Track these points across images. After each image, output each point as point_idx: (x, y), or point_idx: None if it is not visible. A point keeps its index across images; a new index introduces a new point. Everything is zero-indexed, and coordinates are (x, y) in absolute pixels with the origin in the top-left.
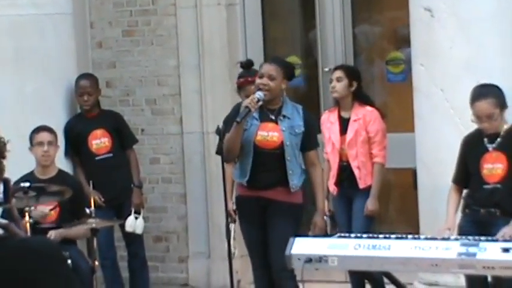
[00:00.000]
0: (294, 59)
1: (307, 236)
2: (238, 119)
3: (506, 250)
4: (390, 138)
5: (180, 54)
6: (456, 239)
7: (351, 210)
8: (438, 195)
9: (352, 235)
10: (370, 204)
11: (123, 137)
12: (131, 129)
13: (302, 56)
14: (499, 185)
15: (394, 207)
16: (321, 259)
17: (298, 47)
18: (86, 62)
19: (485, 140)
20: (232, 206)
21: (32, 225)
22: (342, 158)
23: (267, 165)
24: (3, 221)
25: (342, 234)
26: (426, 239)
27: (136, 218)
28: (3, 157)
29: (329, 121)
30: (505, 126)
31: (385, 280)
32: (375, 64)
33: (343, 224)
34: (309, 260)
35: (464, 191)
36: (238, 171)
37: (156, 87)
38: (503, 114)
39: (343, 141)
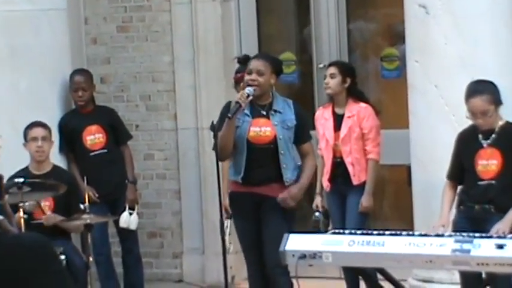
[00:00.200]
0: (288, 55)
1: (301, 232)
2: (229, 115)
3: (500, 247)
4: (385, 134)
5: (174, 50)
6: (450, 236)
7: (344, 207)
8: (432, 191)
9: (346, 231)
10: (365, 201)
11: (117, 132)
12: (126, 125)
13: (297, 52)
14: (493, 181)
15: (388, 203)
16: (315, 255)
17: (293, 43)
18: (81, 58)
19: (480, 136)
20: (228, 201)
21: (26, 221)
22: (336, 154)
23: (260, 161)
24: None
25: (336, 231)
26: (420, 235)
27: (130, 213)
28: None
29: (323, 117)
30: (500, 123)
31: (380, 276)
32: (369, 60)
33: (337, 220)
34: (303, 256)
35: (459, 188)
36: (233, 169)
37: (150, 83)
38: (498, 111)
39: (337, 137)
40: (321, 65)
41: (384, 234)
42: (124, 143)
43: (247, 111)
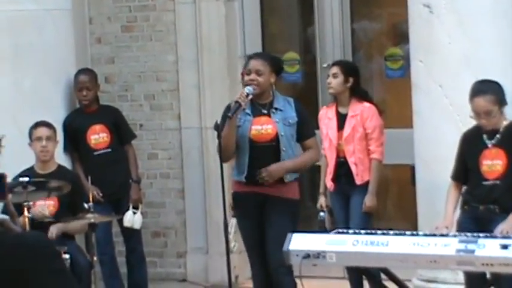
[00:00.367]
0: (292, 55)
1: (305, 231)
2: (229, 114)
3: (505, 247)
4: (389, 134)
5: (178, 49)
6: (455, 236)
7: (348, 207)
8: (436, 191)
9: (350, 231)
10: (368, 201)
11: (121, 132)
12: (130, 125)
13: (300, 51)
14: (498, 182)
15: (392, 203)
16: (319, 255)
17: (297, 43)
18: (85, 57)
19: (485, 136)
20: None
21: (31, 220)
22: (339, 154)
23: (263, 159)
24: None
25: (340, 230)
26: (425, 235)
27: (134, 213)
28: None
29: (327, 117)
30: (505, 123)
31: (383, 276)
32: (373, 60)
33: (340, 220)
34: (307, 256)
35: (463, 188)
36: (236, 170)
37: (154, 82)
38: (503, 111)
39: (340, 137)
40: (325, 65)
41: (388, 234)
42: (128, 142)
43: (248, 111)
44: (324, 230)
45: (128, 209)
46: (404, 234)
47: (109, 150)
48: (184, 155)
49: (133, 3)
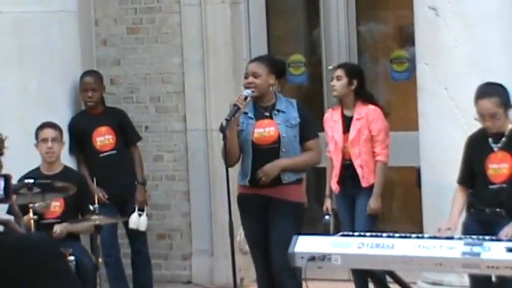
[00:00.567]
0: (298, 57)
1: (310, 234)
2: (228, 117)
3: (510, 250)
4: (394, 136)
5: (184, 51)
6: (460, 238)
7: (353, 209)
8: (442, 193)
9: (356, 233)
10: (373, 203)
11: (127, 134)
12: (135, 127)
13: (306, 54)
14: (504, 185)
15: (397, 206)
16: (324, 257)
17: (302, 45)
18: (91, 59)
19: (490, 140)
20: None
21: (36, 221)
22: (345, 156)
23: (266, 162)
24: (4, 218)
25: (345, 233)
26: (430, 238)
27: (139, 215)
28: (1, 153)
29: (332, 119)
30: (510, 126)
31: (389, 279)
32: (379, 62)
33: (346, 222)
34: (312, 258)
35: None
36: (240, 174)
37: (160, 84)
38: (508, 114)
39: (345, 139)
40: (330, 67)
41: (393, 236)
42: (133, 144)
43: (250, 114)
44: (327, 234)
45: (133, 211)
46: (410, 237)
47: (114, 152)
48: (189, 157)
49: (139, 5)
